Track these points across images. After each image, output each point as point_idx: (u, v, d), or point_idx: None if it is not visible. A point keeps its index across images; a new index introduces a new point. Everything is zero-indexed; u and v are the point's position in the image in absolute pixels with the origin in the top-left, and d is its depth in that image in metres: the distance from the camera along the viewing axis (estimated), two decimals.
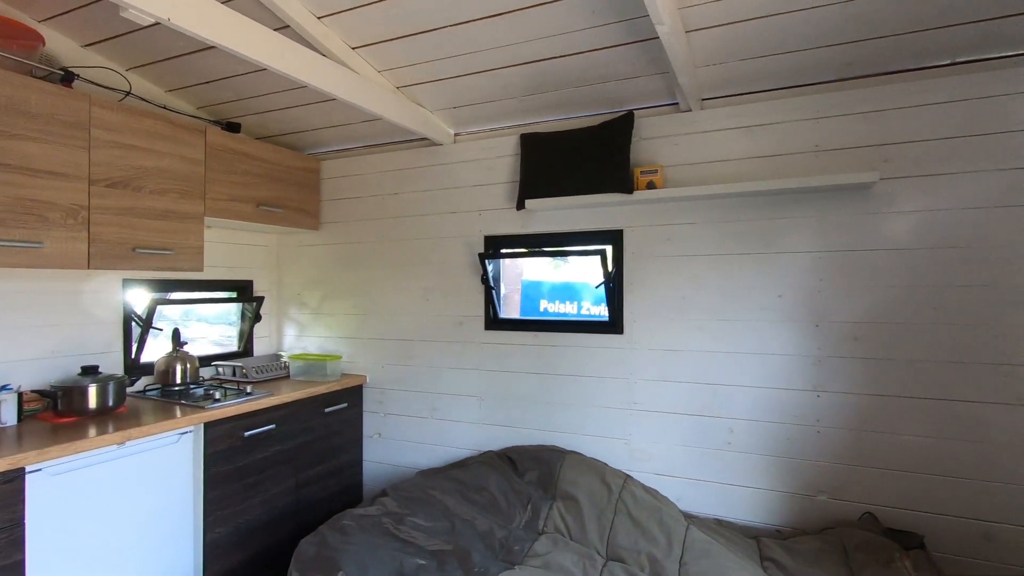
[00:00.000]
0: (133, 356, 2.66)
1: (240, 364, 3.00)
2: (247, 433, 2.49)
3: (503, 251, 2.88)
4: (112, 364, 2.59)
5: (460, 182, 2.99)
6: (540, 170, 2.68)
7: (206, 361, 3.08)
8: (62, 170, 2.07)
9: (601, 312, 2.77)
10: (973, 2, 1.78)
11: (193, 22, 1.67)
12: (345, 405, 3.09)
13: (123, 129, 2.27)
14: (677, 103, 2.51)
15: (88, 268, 2.14)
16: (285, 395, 2.70)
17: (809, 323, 2.27)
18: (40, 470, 1.82)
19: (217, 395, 2.50)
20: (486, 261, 2.80)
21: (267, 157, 2.96)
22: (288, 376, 3.15)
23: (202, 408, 2.36)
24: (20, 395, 2.11)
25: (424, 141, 3.02)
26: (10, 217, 1.92)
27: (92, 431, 2.00)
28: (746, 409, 2.37)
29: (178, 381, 2.66)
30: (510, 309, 3.01)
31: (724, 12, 1.92)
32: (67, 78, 2.25)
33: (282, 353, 3.42)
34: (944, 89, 2.08)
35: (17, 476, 1.75)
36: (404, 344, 3.13)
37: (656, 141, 2.54)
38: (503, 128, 2.92)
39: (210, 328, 3.36)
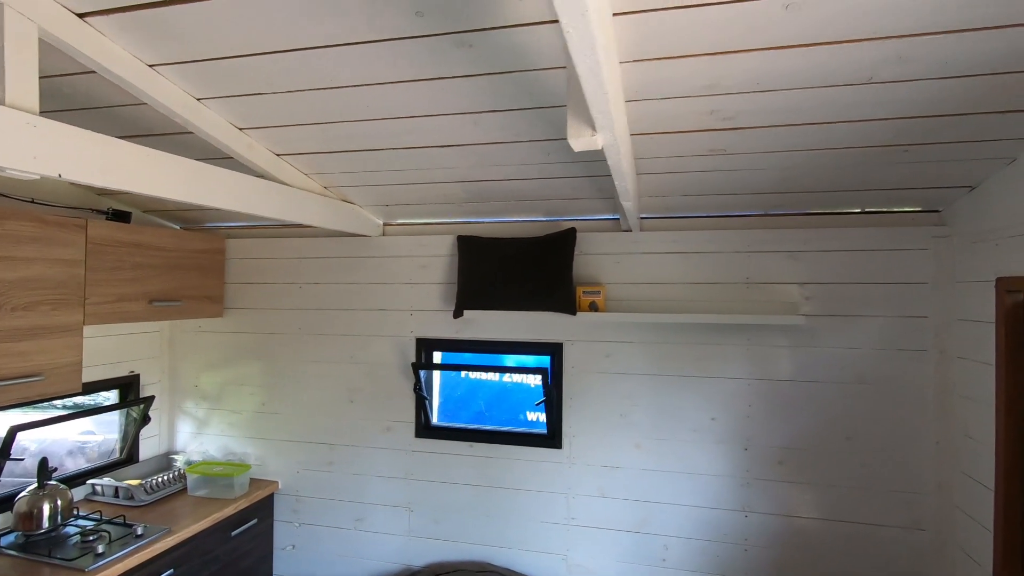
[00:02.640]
0: None
1: (124, 485, 2.58)
2: None
3: (438, 363, 2.76)
4: None
5: (390, 278, 2.80)
6: (479, 277, 2.57)
7: (79, 480, 2.61)
8: None
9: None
10: (879, 176, 1.96)
11: (90, 173, 1.37)
12: (255, 522, 2.76)
13: None
14: (617, 219, 2.53)
15: None
16: (185, 529, 2.35)
17: (739, 446, 2.39)
18: None
19: (100, 547, 2.10)
20: (420, 372, 2.64)
21: (164, 244, 2.58)
22: (185, 489, 2.76)
23: (81, 571, 1.98)
24: None
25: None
26: None
27: None
28: (680, 527, 2.44)
29: (45, 526, 2.21)
30: (443, 415, 2.87)
31: (673, 164, 1.95)
32: None
33: (175, 456, 2.99)
34: (857, 239, 2.28)
35: None
36: (324, 448, 2.87)
37: (598, 257, 2.54)
38: (437, 224, 2.77)
39: (80, 432, 2.85)
